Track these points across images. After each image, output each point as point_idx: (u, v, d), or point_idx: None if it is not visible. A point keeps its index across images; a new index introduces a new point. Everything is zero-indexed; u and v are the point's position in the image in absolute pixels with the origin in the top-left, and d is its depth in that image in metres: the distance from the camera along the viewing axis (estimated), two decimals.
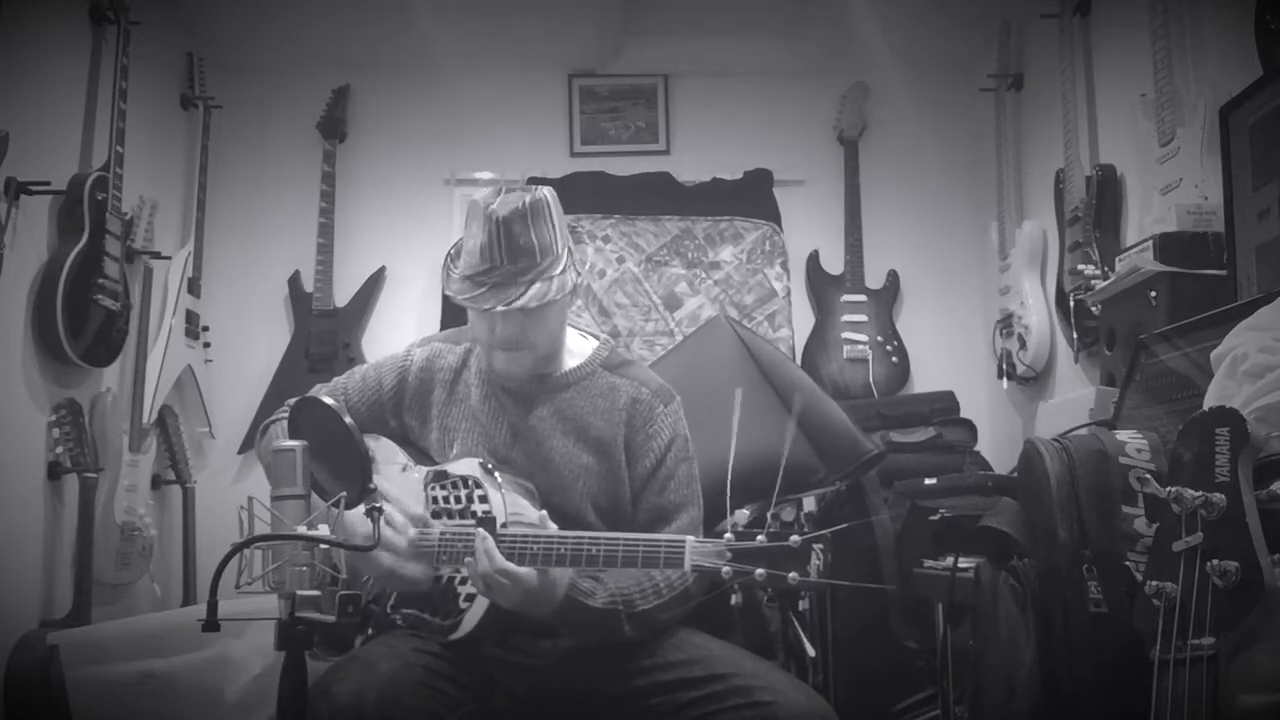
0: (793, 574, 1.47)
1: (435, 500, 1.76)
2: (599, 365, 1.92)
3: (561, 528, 1.70)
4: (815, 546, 1.49)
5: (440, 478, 1.77)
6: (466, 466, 1.75)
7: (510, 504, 1.70)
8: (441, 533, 1.71)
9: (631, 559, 1.56)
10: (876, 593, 2.59)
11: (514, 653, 1.74)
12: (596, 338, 1.99)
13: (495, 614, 1.66)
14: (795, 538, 1.48)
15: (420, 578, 1.69)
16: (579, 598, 1.65)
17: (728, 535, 1.52)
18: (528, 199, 1.75)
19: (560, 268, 1.78)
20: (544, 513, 1.68)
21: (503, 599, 1.59)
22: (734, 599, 1.51)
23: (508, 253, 1.73)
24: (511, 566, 1.56)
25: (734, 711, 1.59)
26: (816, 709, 1.61)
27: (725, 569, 1.50)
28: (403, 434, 1.93)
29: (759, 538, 1.50)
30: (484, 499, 1.71)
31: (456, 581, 1.70)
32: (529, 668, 1.74)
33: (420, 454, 1.89)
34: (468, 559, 1.61)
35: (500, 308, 1.72)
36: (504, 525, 1.64)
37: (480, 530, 1.59)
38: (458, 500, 1.74)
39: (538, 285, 1.74)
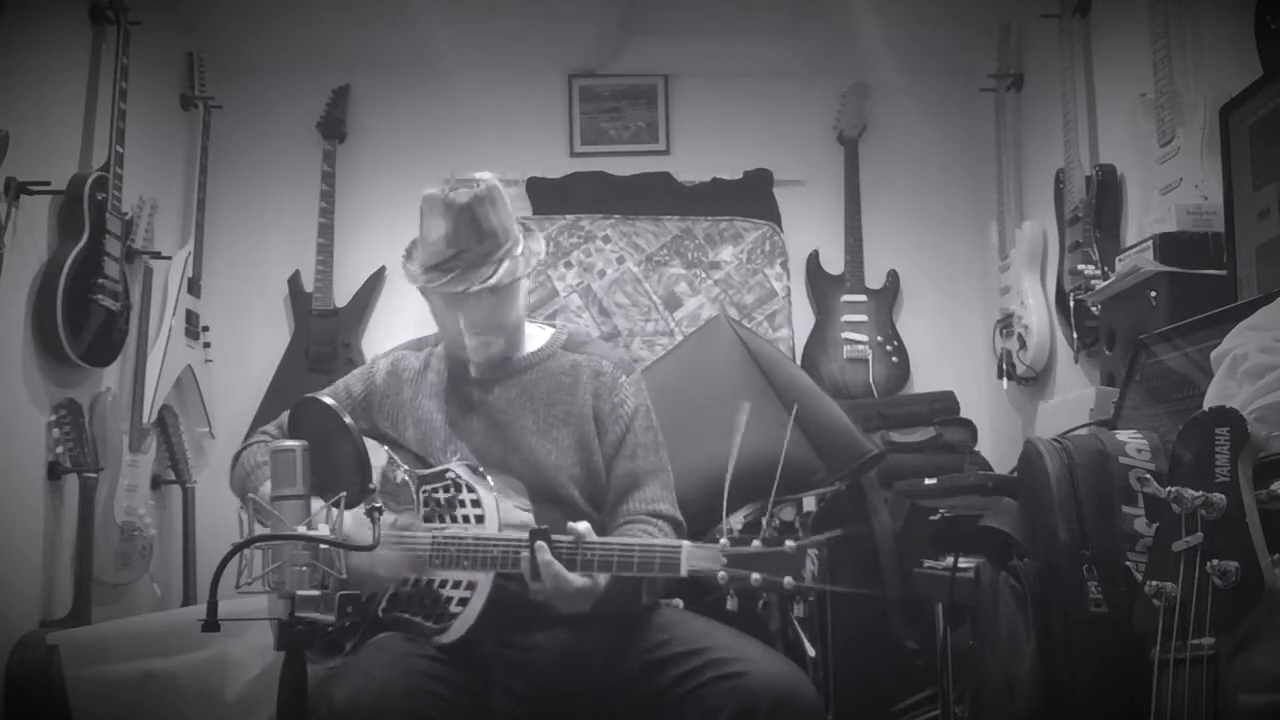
0: (788, 578, 1.48)
1: (427, 503, 1.76)
2: (559, 347, 1.99)
3: (544, 504, 1.76)
4: (810, 551, 1.50)
5: (430, 480, 1.78)
6: (457, 468, 1.77)
7: (503, 507, 1.72)
8: (434, 538, 1.71)
9: (627, 564, 1.59)
10: (876, 592, 2.58)
11: (509, 649, 1.75)
12: (554, 326, 2.07)
13: (488, 618, 1.67)
14: (790, 543, 1.50)
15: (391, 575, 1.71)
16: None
17: (723, 540, 1.53)
18: (483, 186, 1.84)
19: (520, 249, 1.88)
20: (529, 516, 1.70)
21: (566, 607, 1.63)
22: (730, 603, 1.52)
23: (474, 236, 1.82)
24: (583, 582, 1.59)
25: (709, 685, 1.61)
26: (789, 677, 1.61)
27: (721, 574, 1.51)
28: (377, 436, 1.96)
29: (754, 543, 1.52)
30: (476, 502, 1.72)
31: (449, 585, 1.70)
32: (524, 663, 1.75)
33: (402, 452, 1.91)
34: (526, 576, 1.61)
35: (475, 287, 1.80)
36: (499, 529, 1.66)
37: (540, 544, 1.60)
38: (449, 503, 1.74)
39: (506, 264, 1.83)
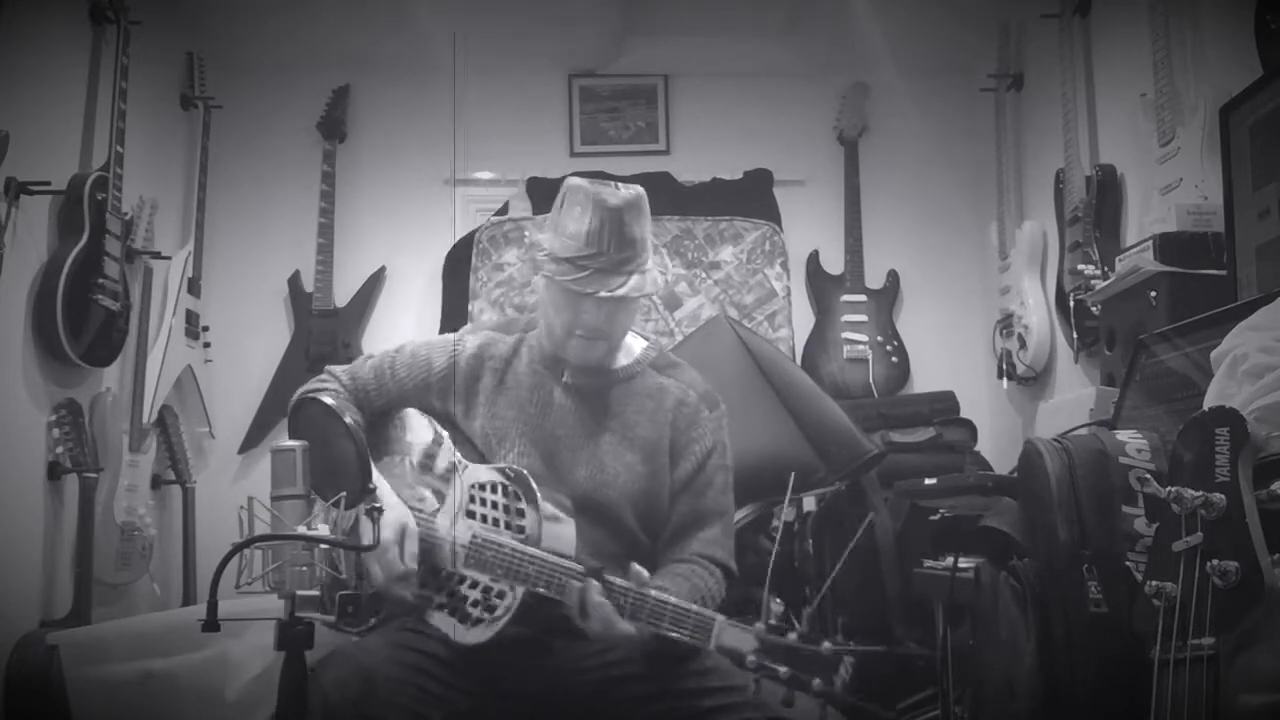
0: (817, 681, 1.45)
1: (474, 499, 1.75)
2: (648, 365, 1.94)
3: (599, 525, 1.73)
4: (846, 659, 1.46)
5: (482, 479, 1.76)
6: (510, 470, 1.74)
7: (545, 517, 1.70)
8: (474, 537, 1.69)
9: (659, 616, 1.57)
10: (876, 593, 2.58)
11: (518, 652, 1.73)
12: (646, 338, 2.01)
13: (513, 629, 1.65)
14: (827, 644, 1.47)
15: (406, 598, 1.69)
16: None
17: (759, 625, 1.51)
18: (634, 193, 1.80)
19: (650, 263, 1.83)
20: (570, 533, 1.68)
21: (592, 634, 1.63)
22: (752, 689, 1.50)
23: (616, 242, 1.77)
24: (631, 630, 1.57)
25: None
26: None
27: (750, 658, 1.49)
28: (446, 416, 1.91)
29: (790, 635, 1.49)
30: (520, 512, 1.70)
31: (479, 588, 1.68)
32: (533, 668, 1.73)
33: (463, 440, 1.88)
34: (574, 613, 1.61)
35: (603, 293, 1.76)
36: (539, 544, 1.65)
37: (592, 583, 1.59)
38: (494, 505, 1.73)
39: (637, 277, 1.79)
